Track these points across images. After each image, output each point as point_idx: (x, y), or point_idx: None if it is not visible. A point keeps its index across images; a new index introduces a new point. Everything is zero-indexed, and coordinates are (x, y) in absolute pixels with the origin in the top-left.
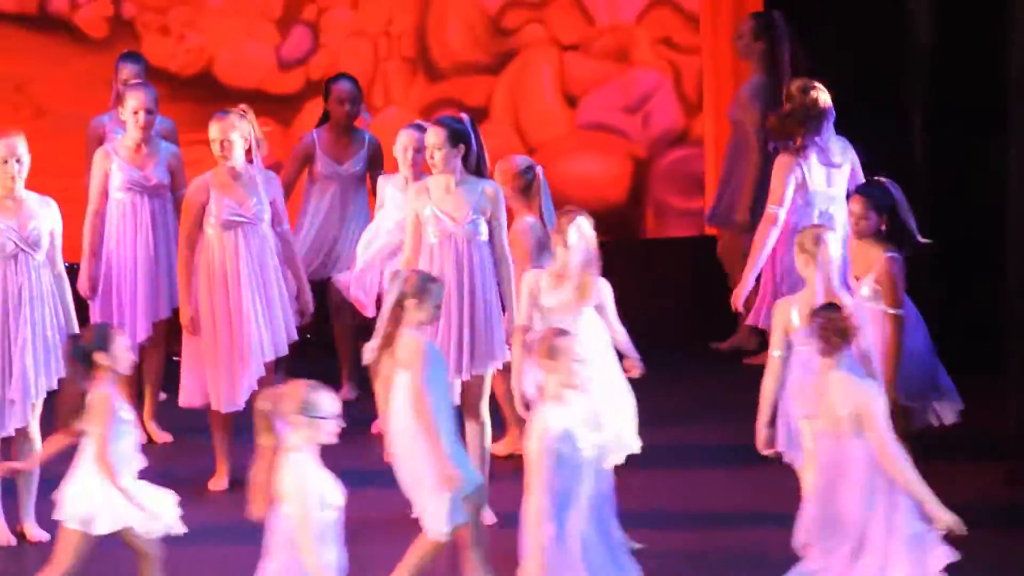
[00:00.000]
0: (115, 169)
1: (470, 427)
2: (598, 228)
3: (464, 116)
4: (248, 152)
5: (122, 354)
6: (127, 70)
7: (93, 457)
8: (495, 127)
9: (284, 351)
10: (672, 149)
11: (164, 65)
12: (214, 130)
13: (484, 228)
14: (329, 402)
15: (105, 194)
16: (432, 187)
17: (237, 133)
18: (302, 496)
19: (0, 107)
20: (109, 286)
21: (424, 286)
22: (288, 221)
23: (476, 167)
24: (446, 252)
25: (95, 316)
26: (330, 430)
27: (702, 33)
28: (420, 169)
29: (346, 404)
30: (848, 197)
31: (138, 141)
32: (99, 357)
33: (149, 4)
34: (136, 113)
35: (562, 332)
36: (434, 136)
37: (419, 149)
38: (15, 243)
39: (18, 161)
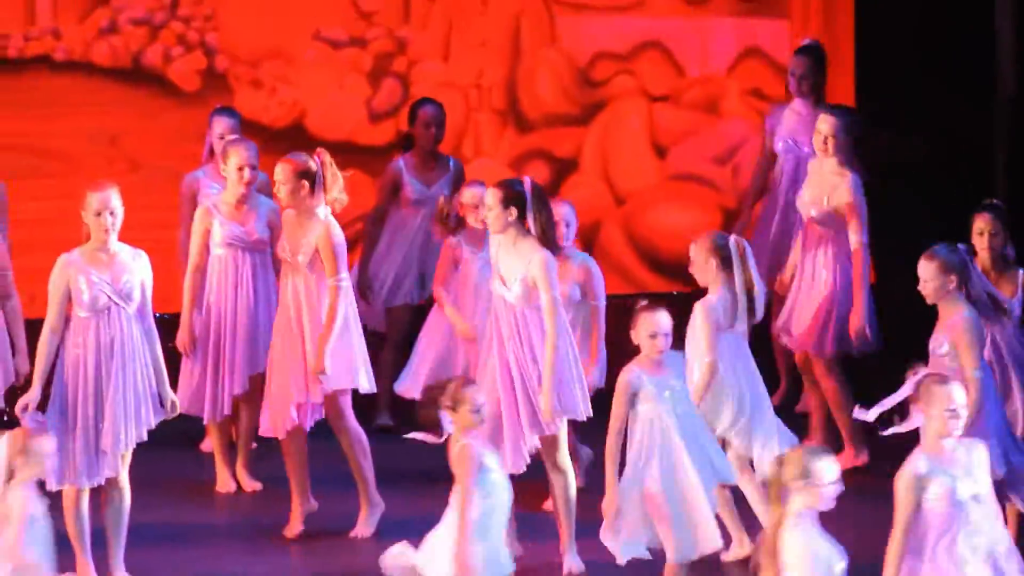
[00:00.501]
0: (216, 225)
1: (553, 479)
2: (686, 279)
3: (527, 180)
4: (311, 193)
5: (473, 415)
6: (221, 124)
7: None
8: (584, 178)
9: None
10: (762, 200)
11: (256, 118)
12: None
13: (529, 296)
14: (830, 468)
15: (206, 250)
16: (501, 244)
17: (285, 177)
18: (806, 564)
19: (94, 160)
20: (206, 339)
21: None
22: (344, 270)
23: (542, 234)
24: (500, 309)
25: (191, 369)
26: (830, 496)
27: None
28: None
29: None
30: None
31: (240, 197)
32: (445, 416)
33: (241, 57)
34: (241, 170)
35: (941, 377)
36: (489, 196)
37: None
38: (108, 296)
39: (112, 213)
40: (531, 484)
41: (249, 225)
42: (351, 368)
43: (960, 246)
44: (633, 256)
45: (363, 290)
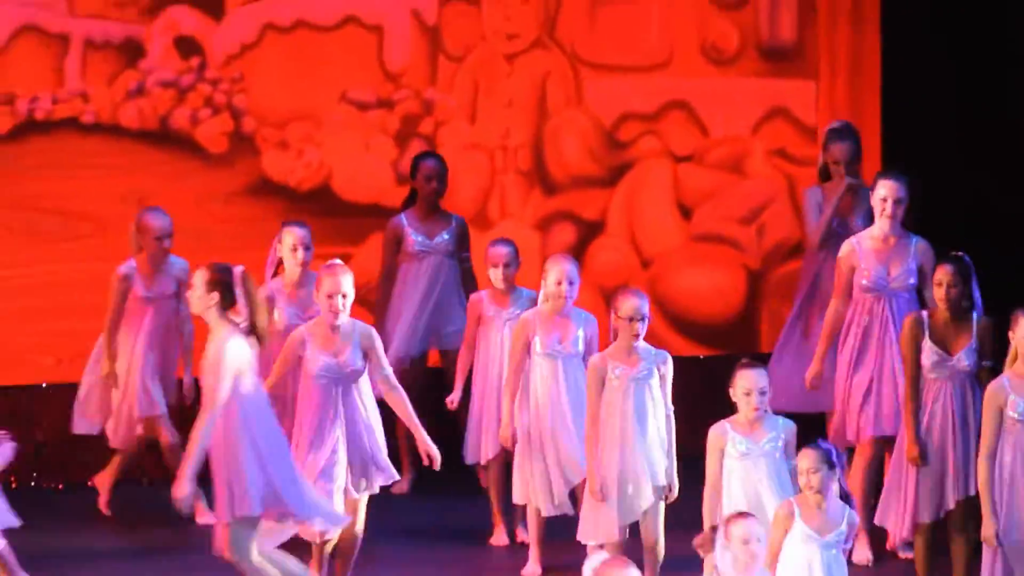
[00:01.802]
0: (309, 354)
1: None
2: (713, 342)
3: (238, 268)
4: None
5: None
6: (293, 236)
7: None
8: (610, 240)
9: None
10: (787, 261)
11: (283, 180)
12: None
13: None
14: None
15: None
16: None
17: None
18: None
19: (123, 222)
20: None
21: None
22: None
23: (250, 323)
24: None
25: None
26: None
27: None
28: (510, 283)
29: None
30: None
31: (331, 326)
32: None
33: (268, 119)
34: (331, 298)
35: None
36: (196, 277)
37: (508, 264)
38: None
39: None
40: None
41: (344, 356)
42: None
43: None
44: (659, 318)
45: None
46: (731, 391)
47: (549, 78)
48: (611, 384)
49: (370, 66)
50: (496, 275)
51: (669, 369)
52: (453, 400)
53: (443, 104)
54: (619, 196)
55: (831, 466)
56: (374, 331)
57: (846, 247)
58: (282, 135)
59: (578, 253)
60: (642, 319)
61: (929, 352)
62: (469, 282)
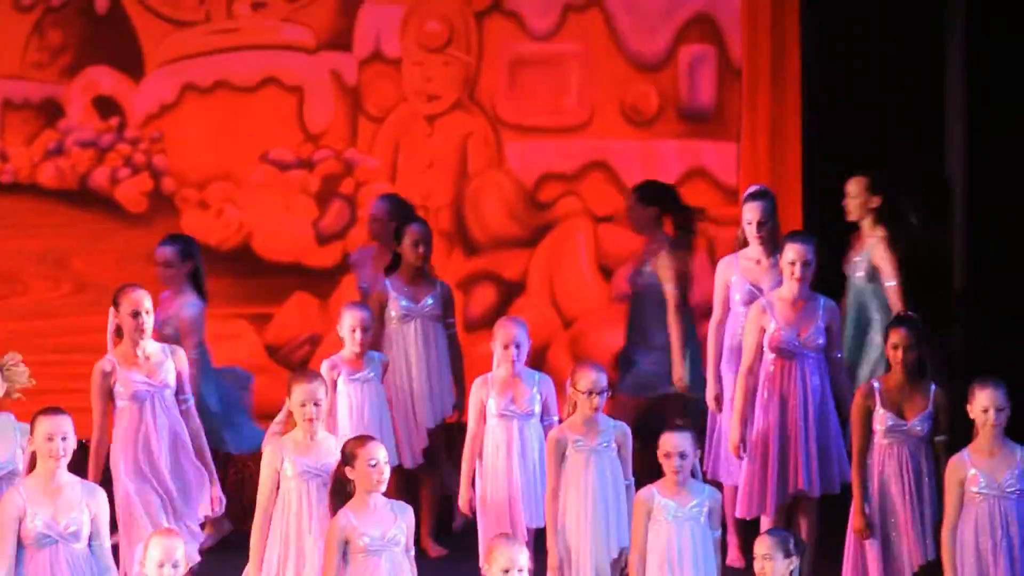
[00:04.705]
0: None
1: None
2: None
3: None
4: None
5: None
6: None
7: None
8: (531, 300)
9: None
10: (707, 320)
11: (203, 239)
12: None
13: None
14: None
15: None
16: None
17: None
18: None
19: (41, 283)
20: None
21: None
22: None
23: None
24: None
25: None
26: None
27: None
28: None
29: None
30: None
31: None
32: None
33: (188, 179)
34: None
35: None
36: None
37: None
38: (54, 534)
39: (64, 439)
40: None
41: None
42: None
43: None
44: None
45: None
46: (657, 453)
47: (470, 139)
48: (571, 457)
49: (290, 127)
50: (352, 340)
51: (628, 441)
52: None
53: (363, 164)
54: (540, 256)
55: (787, 554)
56: None
57: (756, 308)
58: (202, 195)
59: (499, 313)
60: (600, 393)
61: (883, 418)
62: (455, 348)
